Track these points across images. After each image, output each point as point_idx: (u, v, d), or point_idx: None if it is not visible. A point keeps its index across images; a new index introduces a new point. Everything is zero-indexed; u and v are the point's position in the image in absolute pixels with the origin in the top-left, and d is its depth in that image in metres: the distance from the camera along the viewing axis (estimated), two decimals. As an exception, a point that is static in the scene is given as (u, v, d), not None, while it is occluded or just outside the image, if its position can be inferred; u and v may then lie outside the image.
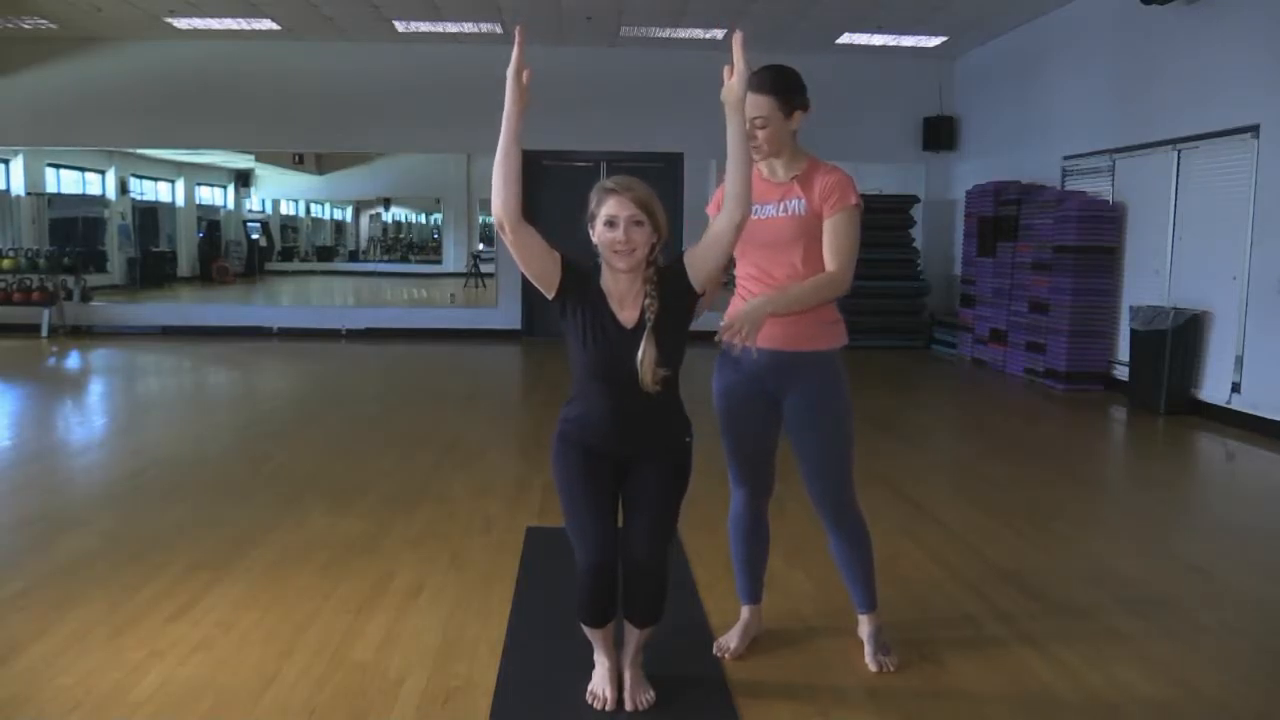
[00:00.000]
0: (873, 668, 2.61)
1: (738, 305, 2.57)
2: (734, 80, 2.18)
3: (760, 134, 2.47)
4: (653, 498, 2.31)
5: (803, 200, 2.49)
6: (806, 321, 2.50)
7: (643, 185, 2.25)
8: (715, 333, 2.54)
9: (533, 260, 2.23)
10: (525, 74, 2.14)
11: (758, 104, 2.44)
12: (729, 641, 2.72)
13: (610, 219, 2.21)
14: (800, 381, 2.54)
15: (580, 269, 2.28)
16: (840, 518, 2.62)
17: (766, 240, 2.51)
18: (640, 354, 2.20)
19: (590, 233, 2.27)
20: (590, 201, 2.27)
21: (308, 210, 19.14)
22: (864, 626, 2.70)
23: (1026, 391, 7.88)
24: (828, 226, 2.48)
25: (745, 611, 2.78)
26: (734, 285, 2.66)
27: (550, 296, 2.27)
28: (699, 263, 2.26)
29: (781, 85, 2.48)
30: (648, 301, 2.23)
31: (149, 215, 15.14)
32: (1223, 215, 6.53)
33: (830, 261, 2.48)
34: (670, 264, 2.29)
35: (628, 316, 2.25)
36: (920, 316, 10.60)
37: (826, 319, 2.56)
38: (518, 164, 2.18)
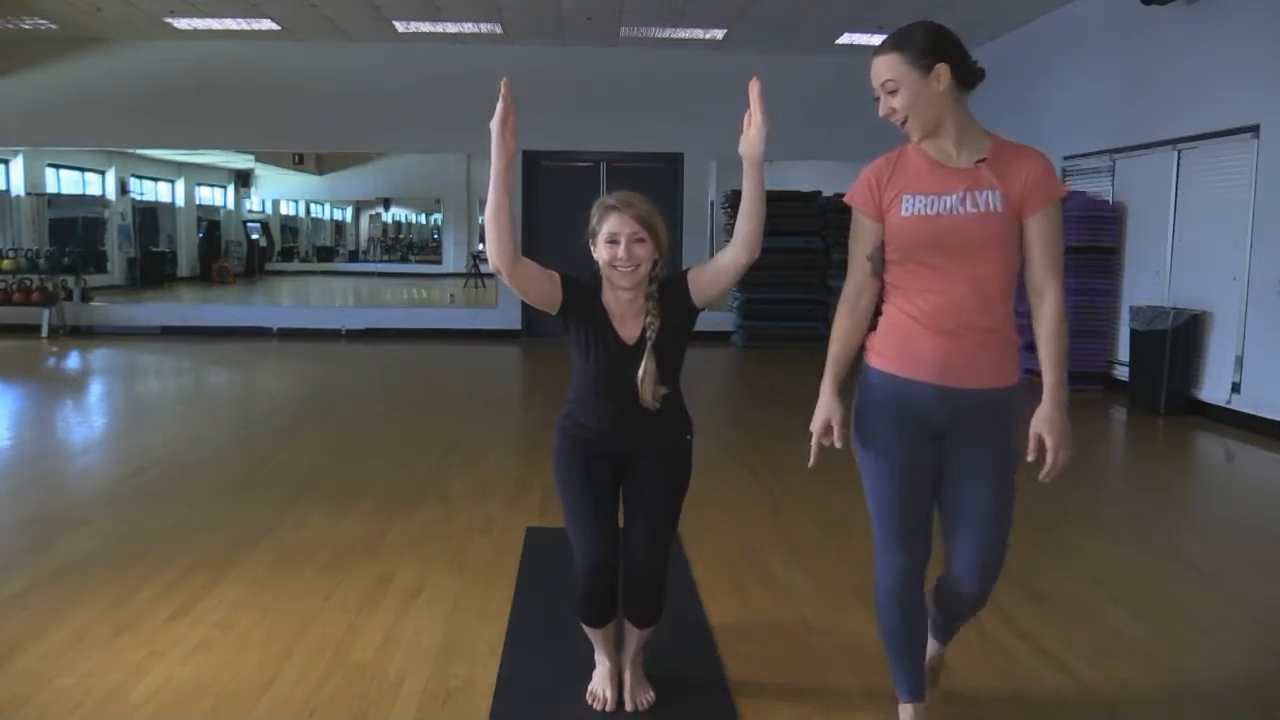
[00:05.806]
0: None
1: (898, 319, 2.04)
2: (752, 131, 2.07)
3: (896, 101, 1.97)
4: (653, 497, 2.30)
5: (998, 191, 1.95)
6: (991, 349, 2.02)
7: (644, 201, 2.24)
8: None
9: (533, 290, 2.23)
10: (510, 121, 2.11)
11: (883, 66, 1.98)
12: None
13: (612, 236, 2.20)
14: (978, 425, 2.05)
15: (580, 285, 2.27)
16: (990, 581, 2.12)
17: (952, 245, 1.96)
18: (641, 372, 2.21)
19: (591, 249, 2.26)
20: (591, 218, 2.26)
21: (308, 210, 19.16)
22: (938, 652, 2.37)
23: (1026, 392, 7.86)
24: (1038, 227, 1.96)
25: (907, 712, 2.15)
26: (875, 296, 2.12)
27: (553, 314, 2.28)
28: (704, 285, 2.25)
29: (908, 39, 1.96)
30: (649, 319, 2.23)
31: (149, 215, 15.16)
32: (1223, 215, 6.52)
33: (1050, 279, 1.98)
34: (673, 278, 2.27)
35: (629, 333, 2.25)
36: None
37: (1012, 341, 2.06)
38: (510, 213, 2.16)
